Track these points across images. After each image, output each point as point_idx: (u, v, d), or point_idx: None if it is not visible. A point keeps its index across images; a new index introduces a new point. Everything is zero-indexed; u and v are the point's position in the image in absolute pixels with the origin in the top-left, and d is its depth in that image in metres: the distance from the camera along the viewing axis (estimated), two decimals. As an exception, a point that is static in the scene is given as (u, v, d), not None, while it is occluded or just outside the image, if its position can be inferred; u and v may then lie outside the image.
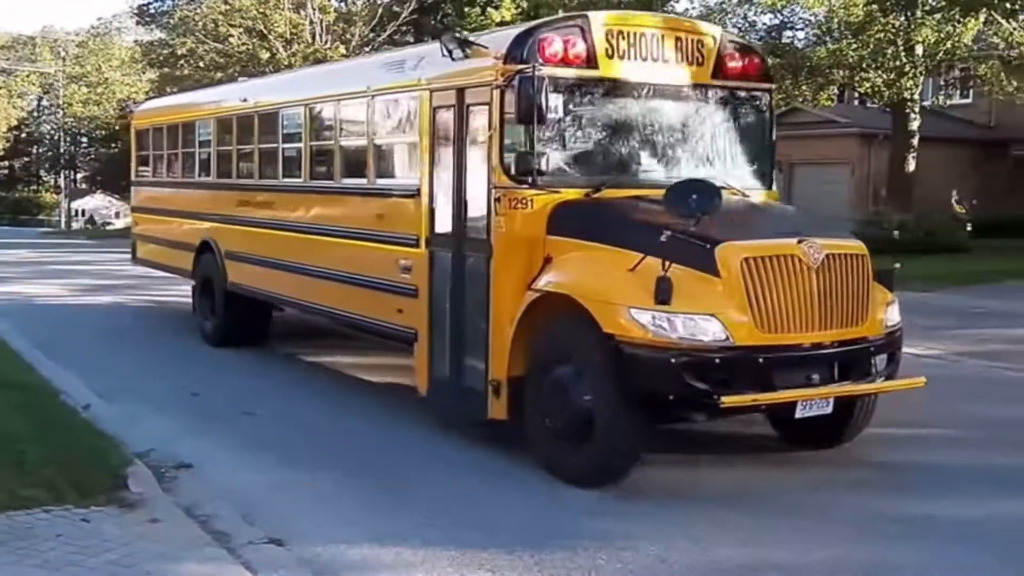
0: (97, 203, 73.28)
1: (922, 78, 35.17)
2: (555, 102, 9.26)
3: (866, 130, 38.84)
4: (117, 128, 66.00)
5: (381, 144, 11.77)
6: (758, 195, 10.48)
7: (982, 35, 33.96)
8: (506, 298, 9.41)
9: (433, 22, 49.42)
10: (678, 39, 10.18)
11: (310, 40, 46.44)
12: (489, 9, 41.14)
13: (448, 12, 48.65)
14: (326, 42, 46.43)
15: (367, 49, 45.20)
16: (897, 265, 9.72)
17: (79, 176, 72.98)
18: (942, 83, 42.09)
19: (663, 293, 8.23)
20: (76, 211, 71.21)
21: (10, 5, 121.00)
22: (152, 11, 56.41)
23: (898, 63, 33.60)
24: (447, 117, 10.23)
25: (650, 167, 10.18)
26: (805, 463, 9.69)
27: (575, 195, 9.49)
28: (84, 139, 72.08)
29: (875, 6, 33.39)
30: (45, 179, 75.42)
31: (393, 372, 13.05)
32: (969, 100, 42.37)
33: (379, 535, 7.65)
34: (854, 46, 34.10)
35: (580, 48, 9.65)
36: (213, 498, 8.26)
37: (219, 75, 44.89)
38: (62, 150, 71.97)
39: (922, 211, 33.31)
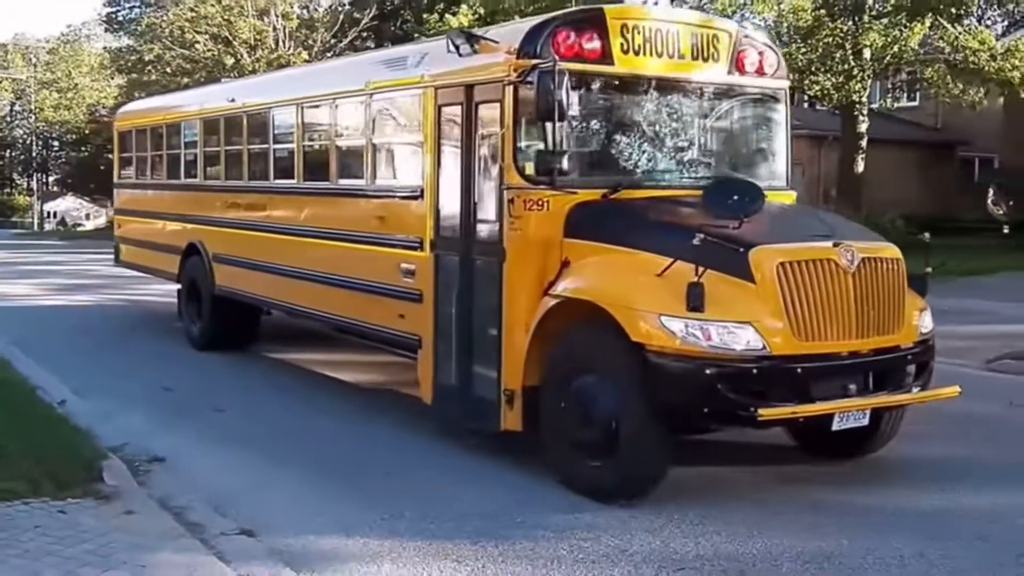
0: (69, 205, 71.73)
1: (870, 81, 34.58)
2: (574, 98, 8.24)
3: (816, 132, 38.07)
4: (87, 132, 64.70)
5: (380, 144, 10.65)
6: (776, 196, 9.55)
7: (928, 39, 33.40)
8: (520, 304, 8.45)
9: (393, 28, 48.83)
10: (694, 34, 9.23)
11: (273, 46, 45.82)
12: (447, 16, 40.30)
13: (408, 19, 47.97)
14: (289, 48, 45.74)
15: (329, 55, 44.51)
16: (929, 269, 8.83)
17: (51, 179, 71.32)
18: (889, 86, 41.39)
19: (696, 300, 7.31)
20: (48, 213, 69.66)
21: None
22: (120, 18, 55.58)
23: (846, 67, 32.98)
24: (453, 115, 9.24)
25: (667, 167, 9.24)
26: (775, 458, 9.11)
27: (592, 196, 8.52)
28: (55, 143, 70.41)
29: (823, 11, 32.86)
30: (18, 182, 73.58)
31: (363, 369, 12.97)
32: (916, 103, 41.92)
33: (347, 527, 7.44)
34: (803, 50, 33.36)
35: (596, 43, 8.68)
36: (186, 491, 8.12)
37: (185, 80, 44.29)
38: (34, 154, 70.19)
39: (871, 212, 32.66)
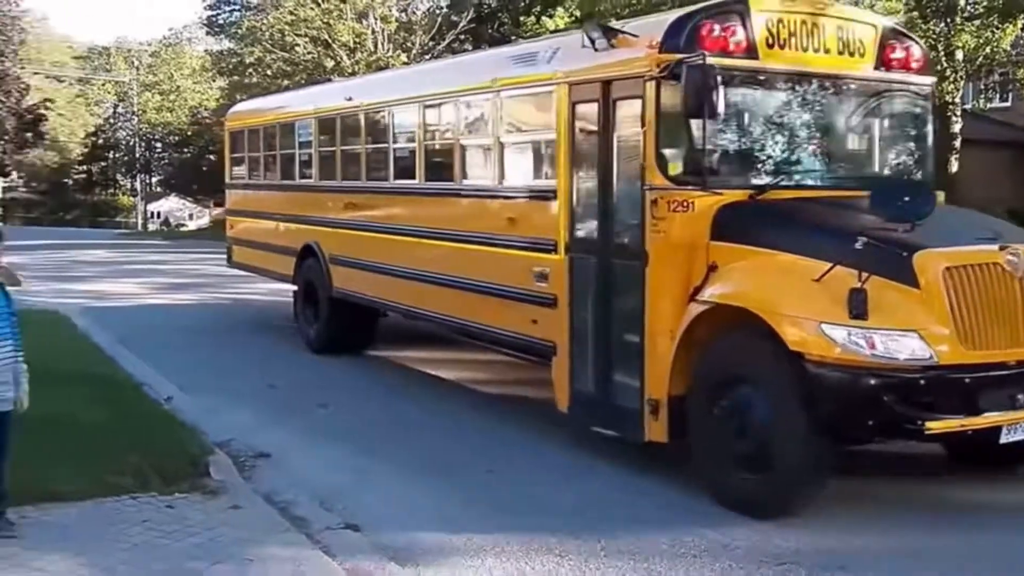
0: (171, 205, 72.51)
1: (963, 82, 33.73)
2: (722, 94, 7.73)
3: (909, 133, 37.27)
4: (189, 134, 65.33)
5: (509, 142, 10.18)
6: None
7: (1020, 40, 32.50)
8: (664, 310, 7.96)
9: (490, 31, 48.44)
10: (839, 27, 8.67)
11: (372, 49, 45.58)
12: (544, 18, 39.89)
13: (504, 21, 47.66)
14: (388, 50, 45.54)
15: (427, 57, 44.16)
16: None
17: (154, 180, 72.16)
18: (982, 87, 40.50)
19: (859, 306, 6.78)
20: (151, 213, 70.47)
21: (86, 17, 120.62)
22: (221, 22, 55.78)
23: (939, 68, 32.16)
24: (589, 112, 8.76)
25: (812, 166, 8.70)
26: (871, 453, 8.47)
27: (738, 197, 8.01)
28: (158, 144, 71.23)
29: (916, 13, 32.09)
30: (122, 183, 74.62)
31: (467, 368, 12.85)
32: (1008, 104, 40.81)
33: (450, 522, 7.38)
34: (897, 53, 32.66)
35: (740, 36, 8.17)
36: (291, 486, 8.08)
37: (286, 83, 44.20)
38: (137, 155, 70.98)
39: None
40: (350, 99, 13.69)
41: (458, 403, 11.36)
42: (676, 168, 7.98)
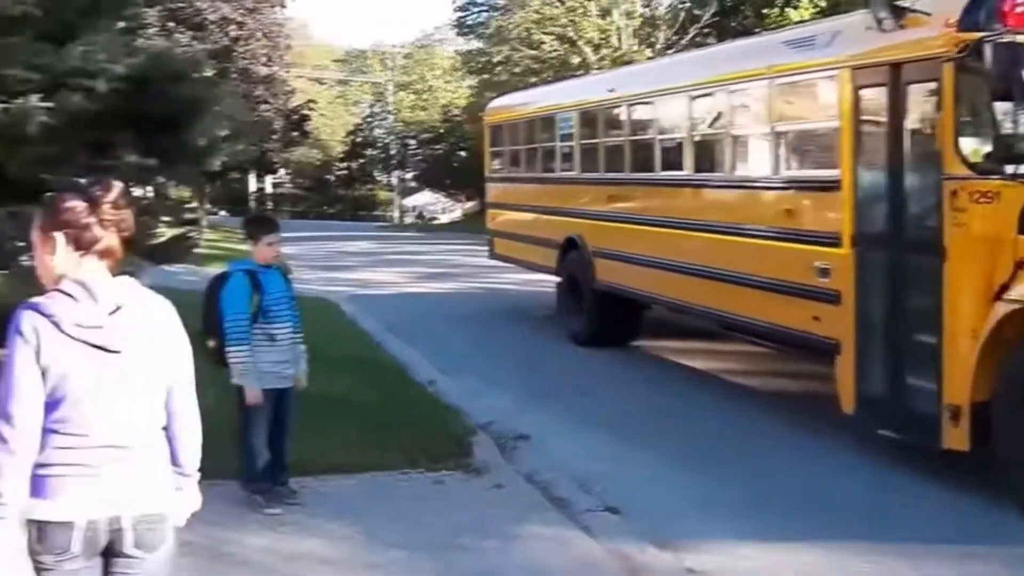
0: (425, 199, 73.87)
1: None
2: (1030, 74, 6.88)
3: None
4: (441, 131, 66.44)
5: (785, 131, 9.52)
6: None
7: None
8: (965, 309, 7.16)
9: (733, 24, 47.22)
10: None
11: (617, 44, 45.09)
12: (787, 9, 38.55)
13: (747, 14, 46.41)
14: (632, 46, 44.99)
15: (670, 52, 43.35)
16: None
17: (408, 175, 73.76)
18: None
19: None
20: (407, 207, 72.09)
21: (344, 23, 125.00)
22: (470, 22, 56.28)
23: None
24: (875, 97, 8.05)
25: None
26: None
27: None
28: (412, 141, 72.70)
29: None
30: (379, 178, 76.56)
31: (727, 359, 12.49)
32: None
33: (711, 511, 7.14)
34: None
35: None
36: (550, 468, 7.99)
37: (533, 80, 44.16)
38: (393, 152, 72.74)
39: None
40: (612, 91, 13.23)
41: (715, 395, 11.03)
42: (979, 156, 7.18)
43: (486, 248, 18.21)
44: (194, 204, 22.11)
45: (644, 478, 7.96)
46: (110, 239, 3.44)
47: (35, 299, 3.38)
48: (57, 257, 3.41)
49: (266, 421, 6.90)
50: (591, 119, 13.85)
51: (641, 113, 12.55)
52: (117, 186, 3.49)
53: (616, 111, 13.11)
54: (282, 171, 65.33)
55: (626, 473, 8.05)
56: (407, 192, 74.40)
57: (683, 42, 44.88)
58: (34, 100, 8.75)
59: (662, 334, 13.82)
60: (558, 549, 6.28)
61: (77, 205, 3.41)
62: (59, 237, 3.40)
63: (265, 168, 54.21)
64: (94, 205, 3.41)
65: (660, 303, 12.43)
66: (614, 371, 12.30)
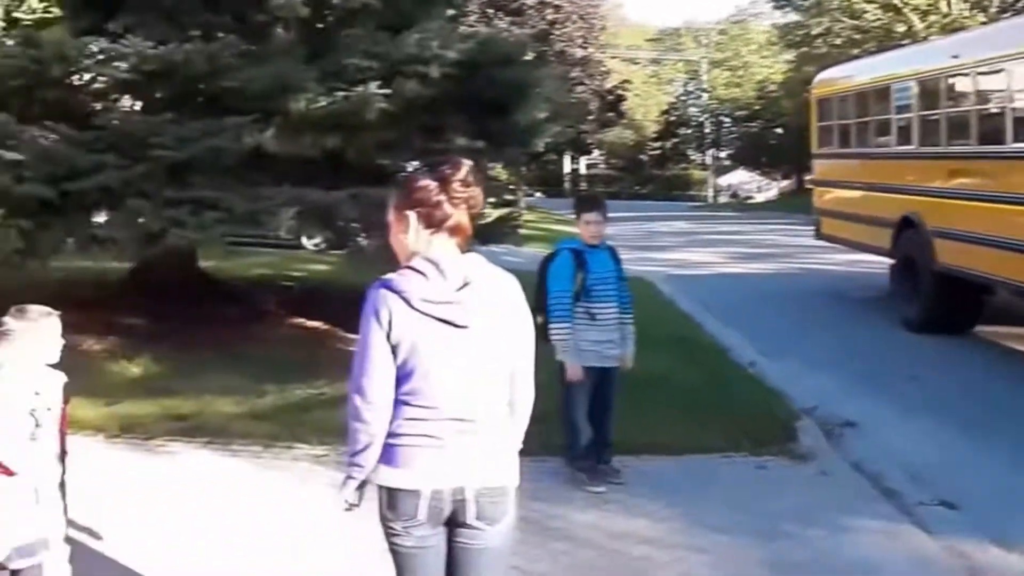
0: (740, 178, 73.02)
1: None
2: None
3: None
4: (757, 108, 65.29)
5: None
6: None
7: None
8: None
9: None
10: None
11: (947, 10, 42.71)
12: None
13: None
14: (963, 11, 42.50)
15: (1005, 15, 40.70)
16: None
17: (723, 154, 73.02)
18: None
19: None
20: (721, 186, 71.40)
21: (657, 2, 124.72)
22: (788, -5, 54.82)
23: None
24: None
25: None
26: None
27: None
28: (726, 119, 71.98)
29: None
30: (692, 157, 76.21)
31: None
32: None
33: None
34: None
35: None
36: (878, 457, 7.66)
37: (854, 51, 42.53)
38: (707, 130, 72.22)
39: None
40: (956, 56, 12.42)
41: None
42: None
43: (804, 228, 17.73)
44: (514, 186, 22.66)
45: (981, 472, 7.53)
46: (460, 216, 3.53)
47: (387, 276, 3.52)
48: (410, 235, 3.53)
49: (586, 398, 6.97)
50: (931, 89, 13.06)
51: (990, 80, 11.65)
52: (466, 164, 3.58)
53: (960, 79, 12.28)
54: (596, 152, 65.95)
55: (960, 466, 7.63)
56: (721, 171, 73.69)
57: (1020, 4, 42.16)
58: (373, 87, 9.18)
59: (1002, 321, 12.97)
60: (889, 542, 6.03)
61: (429, 184, 3.52)
62: (411, 216, 3.52)
63: (580, 149, 54.92)
64: (444, 183, 3.51)
65: (1009, 287, 11.59)
66: (946, 358, 11.66)
